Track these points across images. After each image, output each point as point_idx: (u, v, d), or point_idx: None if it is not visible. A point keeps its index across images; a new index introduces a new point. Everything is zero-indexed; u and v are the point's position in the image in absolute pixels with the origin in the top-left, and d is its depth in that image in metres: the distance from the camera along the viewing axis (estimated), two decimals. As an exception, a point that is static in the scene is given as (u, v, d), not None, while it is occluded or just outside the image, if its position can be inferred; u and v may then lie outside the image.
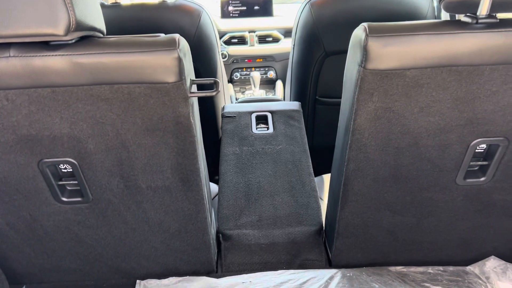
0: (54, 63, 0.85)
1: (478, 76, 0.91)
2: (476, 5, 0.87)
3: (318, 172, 1.92)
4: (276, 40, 2.94)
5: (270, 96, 2.87)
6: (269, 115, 1.84)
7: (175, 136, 0.98)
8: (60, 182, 1.06)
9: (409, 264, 1.33)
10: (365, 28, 0.89)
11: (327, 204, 1.37)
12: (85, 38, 0.90)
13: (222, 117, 1.85)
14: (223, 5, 2.84)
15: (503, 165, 1.08)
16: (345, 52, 1.05)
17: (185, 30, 1.74)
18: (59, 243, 1.20)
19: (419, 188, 1.13)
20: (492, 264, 1.29)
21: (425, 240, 1.27)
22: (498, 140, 1.03)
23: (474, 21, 0.88)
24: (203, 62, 1.85)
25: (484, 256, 1.32)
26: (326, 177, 1.86)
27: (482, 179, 1.11)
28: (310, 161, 1.61)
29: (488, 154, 1.08)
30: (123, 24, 1.74)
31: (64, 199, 1.09)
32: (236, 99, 2.82)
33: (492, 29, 0.87)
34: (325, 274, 1.29)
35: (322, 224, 1.41)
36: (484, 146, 1.07)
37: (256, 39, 2.93)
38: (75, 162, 1.01)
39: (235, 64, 2.98)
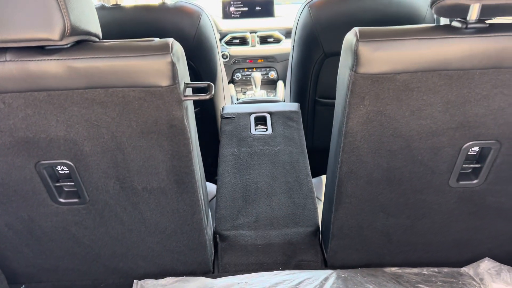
0: (50, 67, 0.87)
1: (469, 80, 0.92)
2: (466, 10, 0.88)
3: (318, 172, 1.93)
4: (277, 40, 2.95)
5: (270, 97, 2.87)
6: (268, 116, 1.85)
7: (170, 138, 1.00)
8: (57, 184, 1.08)
9: (404, 265, 1.34)
10: (356, 32, 0.90)
11: (323, 205, 1.38)
12: (81, 42, 0.92)
13: (221, 118, 1.86)
14: (224, 6, 2.85)
15: (495, 167, 1.08)
16: None
17: (185, 32, 1.75)
18: (57, 244, 1.22)
19: (412, 190, 1.13)
20: (486, 265, 1.29)
21: (419, 241, 1.28)
22: (490, 143, 1.03)
23: (464, 26, 0.89)
24: (203, 63, 1.87)
25: (479, 258, 1.33)
26: (325, 178, 1.87)
27: (475, 181, 1.11)
28: (308, 162, 1.62)
29: (480, 157, 1.09)
30: (124, 26, 1.76)
31: (61, 200, 1.10)
32: (237, 100, 2.84)
33: (481, 34, 0.87)
34: (320, 274, 1.30)
35: (319, 225, 1.42)
36: (476, 149, 1.07)
37: (257, 39, 2.94)
38: (72, 164, 1.03)
39: (237, 65, 2.99)
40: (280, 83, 2.99)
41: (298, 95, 2.03)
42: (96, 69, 0.88)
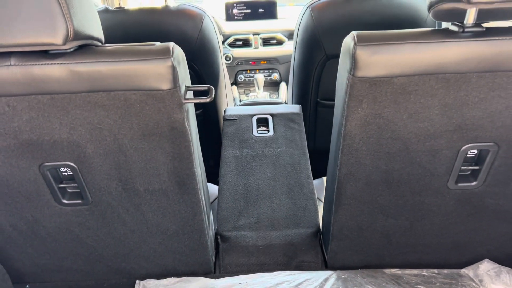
0: (53, 71, 0.89)
1: (466, 83, 0.93)
2: (463, 14, 0.89)
3: (320, 174, 1.94)
4: (280, 42, 2.97)
5: (272, 99, 2.89)
6: (270, 118, 1.86)
7: (171, 141, 1.01)
8: (61, 185, 1.10)
9: (404, 266, 1.35)
10: (354, 36, 0.92)
11: (323, 206, 1.40)
12: (84, 46, 0.93)
13: (223, 120, 1.88)
14: (227, 8, 2.87)
15: (494, 169, 1.09)
16: None
17: (188, 34, 1.77)
18: (61, 244, 1.24)
19: (411, 192, 1.14)
20: (485, 267, 1.30)
21: (419, 243, 1.29)
22: (488, 146, 1.04)
23: (461, 30, 0.90)
24: (206, 66, 1.88)
25: (478, 259, 1.33)
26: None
27: (474, 183, 1.12)
28: (309, 164, 1.64)
29: (479, 159, 1.10)
30: (127, 29, 1.78)
31: (65, 201, 1.12)
32: (240, 101, 2.85)
33: (478, 38, 0.88)
34: (320, 275, 1.31)
35: (319, 226, 1.43)
36: (475, 151, 1.08)
37: (260, 41, 2.96)
38: (75, 166, 1.05)
39: (240, 66, 3.00)
40: (283, 85, 3.01)
41: (300, 96, 2.04)
42: (98, 73, 0.89)
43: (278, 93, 3.00)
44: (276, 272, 1.33)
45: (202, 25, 1.80)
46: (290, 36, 2.95)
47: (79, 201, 1.13)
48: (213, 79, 1.97)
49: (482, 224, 1.23)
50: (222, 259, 1.38)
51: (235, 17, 2.91)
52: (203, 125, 1.99)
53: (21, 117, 0.95)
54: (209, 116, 2.02)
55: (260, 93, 2.78)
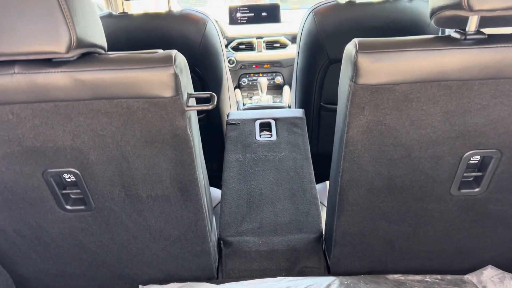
0: (56, 79, 0.89)
1: (468, 90, 0.93)
2: (465, 21, 0.89)
3: (323, 178, 1.94)
4: (283, 46, 2.97)
5: (275, 102, 2.89)
6: (273, 122, 1.87)
7: (173, 147, 1.02)
8: (64, 191, 1.10)
9: (407, 272, 1.35)
10: (356, 44, 0.92)
11: (326, 212, 1.40)
12: (87, 54, 0.94)
13: (226, 124, 1.88)
14: (231, 12, 2.88)
15: (496, 176, 1.09)
16: None
17: (191, 39, 1.78)
18: (64, 249, 1.24)
19: (413, 199, 1.14)
20: (489, 273, 1.30)
21: (422, 249, 1.28)
22: (491, 152, 1.04)
23: (463, 37, 0.90)
24: (209, 70, 1.89)
25: (482, 265, 1.33)
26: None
27: (477, 189, 1.12)
28: (312, 169, 1.64)
29: (482, 165, 1.09)
30: (131, 34, 1.79)
31: (68, 207, 1.13)
32: (244, 105, 2.86)
33: (480, 45, 0.88)
34: (323, 281, 1.31)
35: (322, 232, 1.43)
36: (478, 157, 1.08)
37: (263, 45, 2.96)
38: (78, 172, 1.05)
39: (243, 70, 3.01)
40: (286, 88, 3.01)
41: (303, 100, 2.04)
42: (101, 81, 0.90)
43: (281, 96, 3.01)
44: (278, 278, 1.33)
45: (205, 29, 1.80)
46: (293, 39, 2.96)
47: (82, 207, 1.13)
48: (217, 83, 1.98)
49: (486, 230, 1.23)
50: (224, 265, 1.39)
51: (239, 21, 2.92)
52: (206, 129, 2.00)
53: (25, 124, 0.96)
54: (212, 120, 2.03)
55: (263, 97, 2.79)
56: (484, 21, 0.88)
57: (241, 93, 3.06)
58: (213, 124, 2.05)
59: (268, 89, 2.95)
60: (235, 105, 2.57)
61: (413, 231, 1.23)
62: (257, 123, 1.86)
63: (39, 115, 0.94)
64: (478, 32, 0.90)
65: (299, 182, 1.57)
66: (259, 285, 1.31)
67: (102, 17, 1.83)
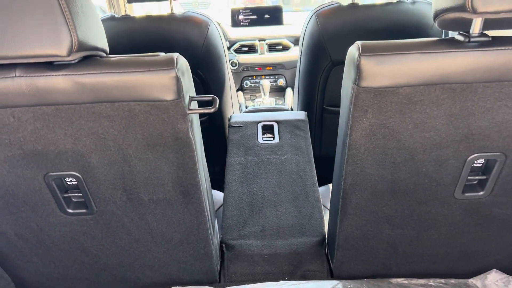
0: (58, 82, 0.89)
1: (472, 93, 0.92)
2: (469, 23, 0.88)
3: (326, 180, 1.94)
4: (286, 48, 2.97)
5: (278, 105, 2.89)
6: (275, 125, 1.86)
7: (175, 151, 1.01)
8: (66, 195, 1.10)
9: (410, 276, 1.34)
10: (359, 46, 0.91)
11: (329, 215, 1.39)
12: (88, 57, 0.94)
13: (228, 127, 1.87)
14: (233, 14, 2.88)
15: (501, 179, 1.08)
16: None
17: (193, 41, 1.78)
18: (66, 253, 1.24)
19: (417, 202, 1.13)
20: (494, 277, 1.28)
21: (425, 252, 1.27)
22: (495, 155, 1.03)
23: (467, 40, 0.89)
24: (211, 73, 1.89)
25: (486, 269, 1.32)
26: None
27: (481, 193, 1.11)
28: (315, 172, 1.63)
29: (486, 169, 1.08)
30: (133, 36, 1.79)
31: (70, 210, 1.12)
32: (246, 107, 2.85)
33: (484, 48, 0.87)
34: (325, 285, 1.29)
35: (325, 235, 1.42)
36: (482, 160, 1.07)
37: (266, 47, 2.96)
38: (79, 176, 1.05)
39: (245, 72, 3.01)
40: (288, 90, 3.01)
41: (306, 103, 2.04)
42: (102, 84, 0.90)
43: (284, 98, 3.00)
44: (281, 282, 1.32)
45: (208, 32, 1.80)
46: (296, 42, 2.96)
47: (83, 211, 1.13)
48: (219, 86, 1.97)
49: (490, 234, 1.21)
50: (227, 268, 1.38)
51: (241, 23, 2.92)
52: (209, 131, 1.99)
53: (26, 127, 0.95)
54: (214, 122, 2.03)
55: (266, 99, 2.79)
56: (488, 23, 0.87)
57: (244, 95, 3.06)
58: (215, 127, 2.05)
59: (270, 92, 2.94)
60: (237, 107, 2.57)
61: (416, 235, 1.22)
62: (260, 125, 1.86)
63: (40, 118, 0.94)
64: (482, 34, 0.89)
65: (301, 185, 1.57)
66: (262, 289, 1.30)
67: (104, 20, 1.83)
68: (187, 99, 0.96)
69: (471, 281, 1.32)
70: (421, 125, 0.97)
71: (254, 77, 3.03)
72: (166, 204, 1.12)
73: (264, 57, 2.97)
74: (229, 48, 2.99)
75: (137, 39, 1.78)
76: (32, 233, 1.18)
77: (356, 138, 1.01)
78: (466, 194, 1.11)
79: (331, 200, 1.34)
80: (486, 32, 0.90)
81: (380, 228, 1.21)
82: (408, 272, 1.34)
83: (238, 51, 2.97)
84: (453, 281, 1.32)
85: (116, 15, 1.88)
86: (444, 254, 1.28)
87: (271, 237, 1.40)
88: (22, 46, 0.82)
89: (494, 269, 1.31)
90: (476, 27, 0.88)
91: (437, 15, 0.91)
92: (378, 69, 0.90)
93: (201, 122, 1.21)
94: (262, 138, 1.80)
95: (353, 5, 1.76)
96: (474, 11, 0.80)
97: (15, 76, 0.88)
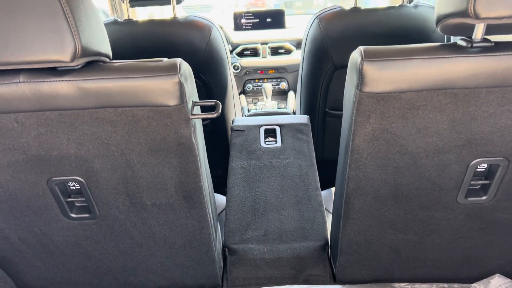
0: (61, 88, 0.89)
1: (474, 98, 0.92)
2: (471, 29, 0.88)
3: (328, 184, 1.93)
4: (288, 51, 2.97)
5: (280, 108, 2.89)
6: (278, 129, 1.86)
7: (178, 156, 1.01)
8: (69, 199, 1.10)
9: (413, 281, 1.33)
10: (361, 52, 0.91)
11: (331, 220, 1.39)
12: (91, 63, 0.94)
13: (231, 131, 1.88)
14: (236, 18, 2.89)
15: (504, 184, 1.08)
16: None
17: (196, 45, 1.78)
18: (69, 257, 1.24)
19: (420, 207, 1.13)
20: (497, 282, 1.28)
21: (428, 257, 1.27)
22: (498, 160, 1.03)
23: (469, 45, 0.89)
24: (214, 76, 1.89)
25: (490, 274, 1.31)
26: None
27: (484, 198, 1.11)
28: (317, 175, 1.63)
29: (489, 173, 1.08)
30: (136, 40, 1.79)
31: (73, 215, 1.13)
32: (248, 111, 2.86)
33: (486, 53, 0.87)
34: (328, 290, 1.30)
35: (328, 239, 1.42)
36: (485, 165, 1.07)
37: (268, 50, 2.97)
38: (83, 180, 1.05)
39: (248, 76, 3.02)
40: (291, 94, 3.01)
41: (308, 106, 2.04)
42: (105, 90, 0.90)
43: (286, 102, 3.01)
44: (284, 286, 1.32)
45: (210, 36, 1.81)
46: (298, 45, 2.96)
47: (87, 215, 1.13)
48: (221, 89, 1.98)
49: (493, 238, 1.21)
50: (229, 273, 1.38)
51: (243, 27, 2.93)
52: (211, 135, 1.99)
53: (30, 133, 0.96)
54: (217, 126, 2.03)
55: (268, 102, 2.79)
56: (491, 29, 0.87)
57: (246, 98, 3.06)
58: (217, 131, 2.05)
59: (273, 95, 2.95)
60: (239, 111, 2.57)
61: (419, 240, 1.22)
62: (262, 129, 1.86)
63: (44, 123, 0.94)
64: (484, 39, 0.89)
65: (304, 189, 1.57)
66: (264, 293, 1.30)
67: (107, 24, 1.84)
68: (190, 104, 0.97)
69: (474, 286, 1.31)
70: (424, 130, 0.97)
71: (257, 80, 3.04)
72: (168, 209, 1.13)
73: (266, 60, 2.98)
74: (231, 52, 3.00)
75: (140, 44, 1.78)
76: (35, 238, 1.18)
77: (359, 143, 1.01)
78: (469, 199, 1.11)
79: (334, 205, 1.34)
80: (488, 37, 0.90)
81: (383, 233, 1.21)
82: (411, 277, 1.34)
83: (241, 54, 2.98)
84: (456, 286, 1.31)
85: (119, 19, 1.89)
86: (447, 258, 1.28)
87: (273, 241, 1.40)
88: (26, 52, 0.83)
89: (498, 274, 1.30)
90: (478, 32, 0.88)
91: (439, 20, 0.91)
92: (380, 74, 0.90)
93: (204, 126, 1.21)
94: (265, 142, 1.80)
95: (355, 9, 1.77)
96: (477, 17, 0.80)
97: (19, 81, 0.88)
